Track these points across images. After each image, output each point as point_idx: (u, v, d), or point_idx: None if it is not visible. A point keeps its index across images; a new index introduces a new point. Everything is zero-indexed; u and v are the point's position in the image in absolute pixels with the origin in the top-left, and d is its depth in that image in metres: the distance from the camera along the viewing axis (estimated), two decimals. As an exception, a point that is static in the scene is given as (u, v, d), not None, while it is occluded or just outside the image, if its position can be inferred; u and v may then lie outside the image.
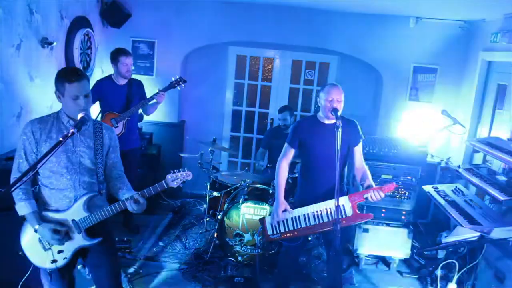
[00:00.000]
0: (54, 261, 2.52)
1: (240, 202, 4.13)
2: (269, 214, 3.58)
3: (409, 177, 4.27)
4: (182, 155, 5.66)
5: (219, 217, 4.32)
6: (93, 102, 4.43)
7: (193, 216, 5.42)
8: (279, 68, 6.18)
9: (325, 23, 5.59)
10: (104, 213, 2.50)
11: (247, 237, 4.15)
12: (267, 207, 4.10)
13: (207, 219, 4.77)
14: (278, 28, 5.63)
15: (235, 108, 6.34)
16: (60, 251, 2.52)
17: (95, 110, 4.63)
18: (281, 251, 3.62)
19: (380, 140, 4.66)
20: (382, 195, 3.04)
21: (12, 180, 2.44)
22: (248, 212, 4.13)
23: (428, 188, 4.28)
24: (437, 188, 4.26)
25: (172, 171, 2.52)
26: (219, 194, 4.55)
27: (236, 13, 5.61)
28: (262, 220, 3.39)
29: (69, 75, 2.39)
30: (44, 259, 2.52)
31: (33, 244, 2.52)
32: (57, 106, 4.46)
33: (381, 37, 5.58)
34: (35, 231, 2.45)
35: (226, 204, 4.36)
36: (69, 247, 2.53)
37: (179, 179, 2.51)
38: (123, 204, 2.49)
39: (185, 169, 2.54)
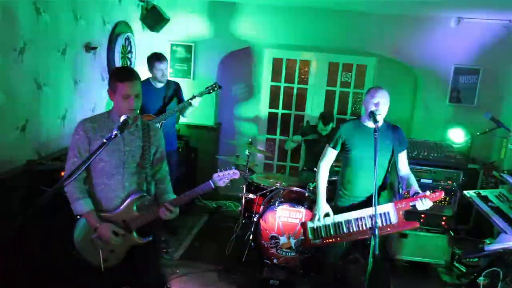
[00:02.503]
0: (105, 260, 2.53)
1: (276, 204, 4.12)
2: (306, 218, 3.54)
3: (450, 182, 4.15)
4: (218, 157, 5.71)
5: (254, 219, 4.34)
6: None
7: (228, 217, 5.46)
8: (316, 70, 6.15)
9: (363, 25, 5.53)
10: (152, 213, 2.53)
11: (283, 239, 4.14)
12: (303, 210, 4.07)
13: (243, 221, 4.79)
14: (315, 30, 5.61)
15: (271, 110, 6.36)
16: (112, 250, 2.54)
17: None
18: (321, 256, 3.54)
19: (419, 143, 4.55)
20: (430, 203, 2.92)
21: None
22: (284, 215, 4.11)
23: (470, 193, 4.15)
24: (479, 193, 4.13)
25: (219, 169, 2.45)
26: (255, 196, 4.57)
27: (273, 16, 5.62)
28: (303, 224, 3.31)
29: (121, 74, 2.44)
30: (96, 258, 2.52)
31: (86, 242, 2.54)
32: (99, 108, 4.61)
33: (420, 38, 5.46)
34: (95, 230, 2.46)
35: (261, 207, 4.37)
36: (121, 247, 2.55)
37: (226, 179, 2.45)
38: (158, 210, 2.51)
39: (233, 167, 2.47)
